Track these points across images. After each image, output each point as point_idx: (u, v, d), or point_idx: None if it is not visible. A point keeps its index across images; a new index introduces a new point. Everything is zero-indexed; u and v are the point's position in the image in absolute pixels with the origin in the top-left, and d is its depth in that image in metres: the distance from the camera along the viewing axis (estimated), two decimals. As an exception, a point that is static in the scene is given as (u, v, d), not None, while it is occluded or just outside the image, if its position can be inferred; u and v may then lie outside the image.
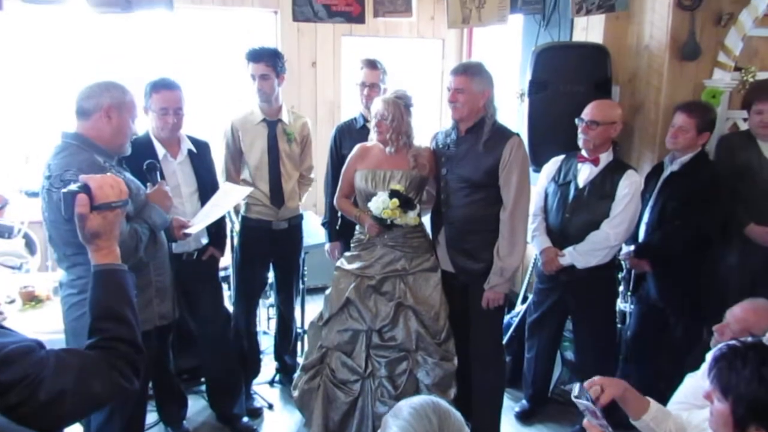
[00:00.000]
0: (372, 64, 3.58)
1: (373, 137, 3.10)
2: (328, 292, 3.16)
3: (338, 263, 3.20)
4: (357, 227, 3.19)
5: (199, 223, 2.86)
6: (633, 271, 3.50)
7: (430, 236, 3.25)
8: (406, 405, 1.30)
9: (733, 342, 1.65)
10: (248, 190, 3.23)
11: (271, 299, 4.22)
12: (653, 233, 3.31)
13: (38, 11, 3.97)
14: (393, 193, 2.91)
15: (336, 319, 3.07)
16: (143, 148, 2.95)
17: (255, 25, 5.13)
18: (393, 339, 3.04)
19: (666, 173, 3.32)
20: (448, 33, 5.53)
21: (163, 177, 2.83)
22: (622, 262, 3.53)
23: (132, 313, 1.40)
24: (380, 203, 2.90)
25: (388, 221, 2.93)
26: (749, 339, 1.72)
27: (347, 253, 3.22)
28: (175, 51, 4.99)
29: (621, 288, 3.63)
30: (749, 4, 3.44)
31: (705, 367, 1.92)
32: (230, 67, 4.41)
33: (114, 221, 1.42)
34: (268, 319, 4.54)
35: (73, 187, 1.38)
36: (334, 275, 3.17)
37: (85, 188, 1.38)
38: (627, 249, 3.40)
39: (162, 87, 3.01)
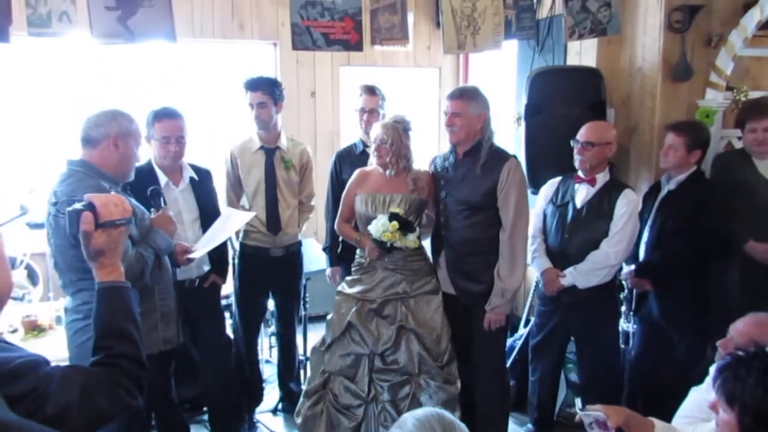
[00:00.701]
0: (371, 90, 3.65)
1: (372, 161, 3.14)
2: (329, 317, 3.17)
3: (339, 287, 3.22)
4: (358, 251, 3.21)
5: (202, 248, 2.88)
6: (634, 291, 3.51)
7: (431, 259, 3.26)
8: (411, 417, 1.31)
9: (736, 351, 1.66)
10: (250, 215, 3.26)
11: (273, 327, 4.22)
12: (653, 252, 3.32)
13: (43, 43, 4.05)
14: (393, 216, 2.93)
15: (338, 343, 3.07)
16: (146, 175, 3.00)
17: (255, 56, 5.22)
18: (395, 362, 3.04)
19: (663, 192, 3.35)
20: (445, 61, 5.62)
21: (165, 203, 2.86)
22: (624, 282, 3.54)
23: (136, 330, 1.42)
24: (380, 226, 2.92)
25: (388, 244, 2.95)
26: (752, 348, 1.73)
27: (348, 278, 3.23)
28: (178, 81, 5.07)
29: (623, 308, 3.63)
30: (738, 25, 3.52)
31: (709, 380, 1.92)
32: (231, 96, 4.48)
33: (118, 239, 1.44)
34: (270, 347, 4.52)
35: (78, 205, 1.41)
36: (335, 300, 3.18)
37: (90, 206, 1.41)
38: (628, 268, 3.41)
39: (164, 116, 3.06)
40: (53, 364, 1.26)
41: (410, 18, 5.17)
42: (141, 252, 2.38)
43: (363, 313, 3.06)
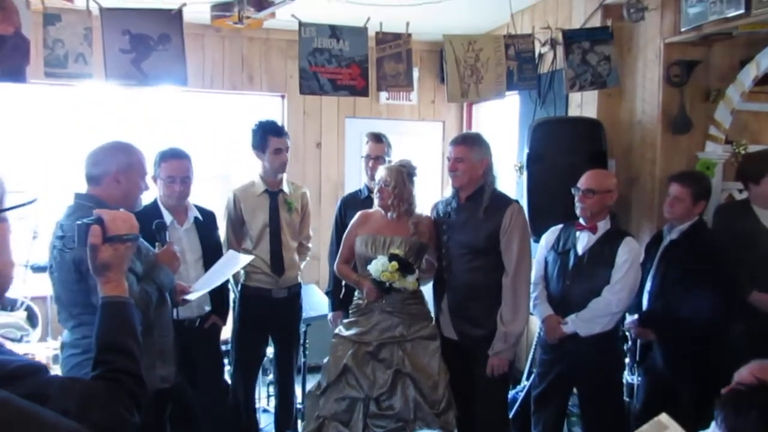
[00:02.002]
0: (377, 138, 3.73)
1: (376, 204, 3.17)
2: (326, 360, 3.13)
3: (336, 330, 3.19)
4: (356, 293, 3.20)
5: (199, 289, 2.89)
6: (638, 342, 3.47)
7: (431, 305, 3.25)
8: None
9: (738, 387, 1.64)
10: (249, 258, 3.28)
11: (271, 376, 4.17)
12: (656, 301, 3.30)
13: (59, 86, 4.17)
14: (392, 257, 2.94)
15: (334, 387, 3.03)
16: (151, 214, 3.01)
17: (263, 107, 5.34)
18: (391, 408, 2.97)
19: (665, 242, 3.35)
20: (449, 115, 5.74)
21: (169, 238, 2.88)
22: (627, 333, 3.50)
23: (137, 347, 1.41)
24: (379, 266, 2.93)
25: (387, 284, 2.95)
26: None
27: (345, 320, 3.21)
28: (187, 128, 5.17)
29: (627, 360, 3.58)
30: (735, 80, 3.60)
31: (714, 424, 1.88)
32: (238, 143, 4.57)
33: (124, 254, 1.46)
34: (268, 396, 4.45)
35: (86, 220, 1.44)
36: (331, 342, 3.16)
37: (99, 220, 1.43)
38: (631, 318, 3.39)
39: (171, 156, 3.13)
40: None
41: (415, 73, 5.33)
42: (146, 289, 2.38)
43: (359, 356, 3.02)
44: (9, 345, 3.99)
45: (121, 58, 3.01)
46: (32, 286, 4.54)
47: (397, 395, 2.97)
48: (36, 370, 1.18)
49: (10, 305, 4.37)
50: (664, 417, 1.23)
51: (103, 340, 1.40)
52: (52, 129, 4.98)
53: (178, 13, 3.08)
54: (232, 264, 3.10)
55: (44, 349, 3.46)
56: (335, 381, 3.02)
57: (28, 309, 4.43)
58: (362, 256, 3.10)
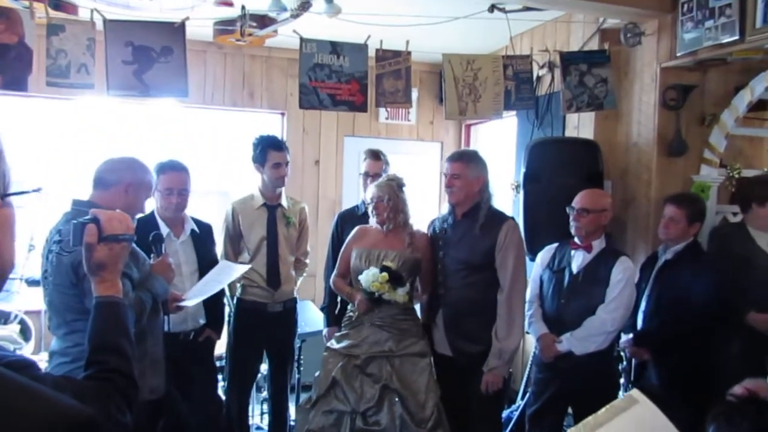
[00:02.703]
0: (376, 155, 3.76)
1: (372, 221, 3.19)
2: (317, 373, 3.12)
3: (328, 343, 3.18)
4: (349, 306, 3.20)
5: (193, 297, 2.88)
6: (633, 362, 3.46)
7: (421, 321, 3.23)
8: None
9: (730, 398, 1.63)
10: (245, 267, 3.28)
11: (265, 393, 4.14)
12: (651, 321, 3.31)
13: (60, 96, 4.20)
14: (383, 268, 2.95)
15: (323, 400, 3.01)
16: (148, 225, 3.04)
17: (263, 124, 5.37)
18: (377, 424, 2.94)
19: (660, 262, 3.37)
20: (447, 136, 5.79)
21: (166, 250, 2.88)
22: (622, 353, 3.50)
23: (129, 347, 1.40)
24: (370, 276, 2.93)
25: (377, 294, 2.94)
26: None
27: (337, 333, 3.21)
28: (187, 141, 5.20)
29: (622, 380, 3.57)
30: (730, 105, 3.65)
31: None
32: (238, 159, 4.60)
33: (119, 254, 1.46)
34: (262, 414, 4.41)
35: (82, 219, 1.44)
36: (323, 356, 3.14)
37: (95, 220, 1.44)
38: (626, 338, 3.39)
39: (169, 168, 3.14)
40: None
41: (415, 93, 5.39)
42: (140, 296, 2.38)
43: (348, 369, 3.01)
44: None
45: (123, 69, 3.04)
46: (26, 299, 4.54)
47: (384, 411, 2.94)
48: (29, 364, 1.18)
49: (3, 318, 4.35)
50: (635, 392, 1.23)
51: (97, 339, 1.40)
52: (53, 141, 4.99)
53: (181, 26, 3.13)
54: (227, 273, 3.10)
55: (37, 362, 3.41)
56: (324, 394, 3.01)
57: (22, 322, 4.40)
58: (356, 270, 3.10)
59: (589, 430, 1.13)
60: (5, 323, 4.38)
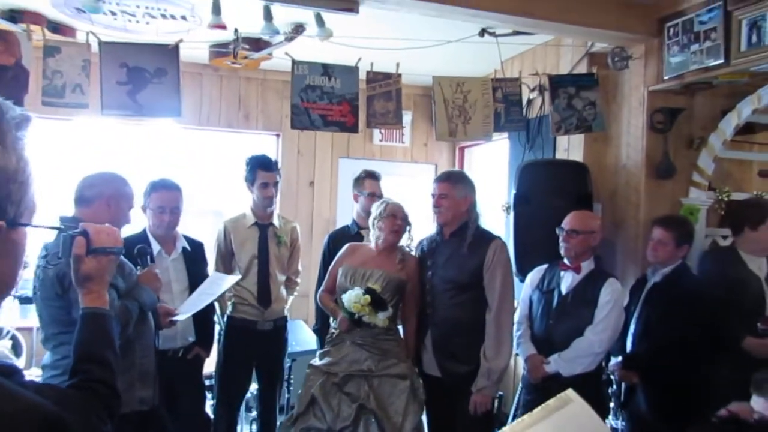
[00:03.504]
0: (375, 176, 3.82)
1: (372, 238, 3.20)
2: (300, 390, 3.12)
3: (311, 361, 3.18)
4: (332, 323, 3.21)
5: (186, 312, 2.90)
6: (623, 386, 3.46)
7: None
8: None
9: (712, 420, 1.64)
10: (235, 278, 3.31)
11: (254, 413, 4.12)
12: (640, 344, 3.31)
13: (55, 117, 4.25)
14: (368, 291, 2.96)
15: (302, 417, 3.00)
16: (139, 243, 3.05)
17: (258, 145, 5.42)
18: None
19: (649, 284, 3.38)
20: (441, 158, 5.84)
21: (153, 261, 2.91)
22: (611, 377, 3.49)
23: (114, 358, 1.43)
24: (352, 297, 2.94)
25: (356, 316, 2.95)
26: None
27: (320, 351, 3.21)
28: (182, 161, 5.24)
29: (612, 404, 3.56)
30: (717, 129, 3.69)
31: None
32: (233, 179, 4.64)
33: (107, 266, 1.49)
34: (251, 433, 4.38)
35: (72, 232, 1.48)
36: (306, 372, 3.14)
37: (84, 233, 1.47)
38: (615, 360, 3.38)
39: (161, 187, 3.19)
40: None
41: (409, 116, 5.46)
42: (126, 304, 2.42)
43: (327, 387, 3.00)
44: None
45: (117, 89, 3.10)
46: (19, 316, 4.57)
47: (360, 431, 2.93)
48: (13, 371, 1.20)
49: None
50: (569, 391, 1.25)
51: (81, 350, 1.42)
52: (51, 161, 5.03)
53: (174, 48, 3.19)
54: (218, 284, 3.12)
55: (29, 377, 3.42)
56: (304, 411, 3.00)
57: (13, 338, 4.42)
58: (341, 288, 3.11)
59: (523, 427, 1.15)
60: (-4, 339, 4.40)
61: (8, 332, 4.34)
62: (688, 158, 3.79)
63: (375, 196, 3.75)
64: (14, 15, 3.55)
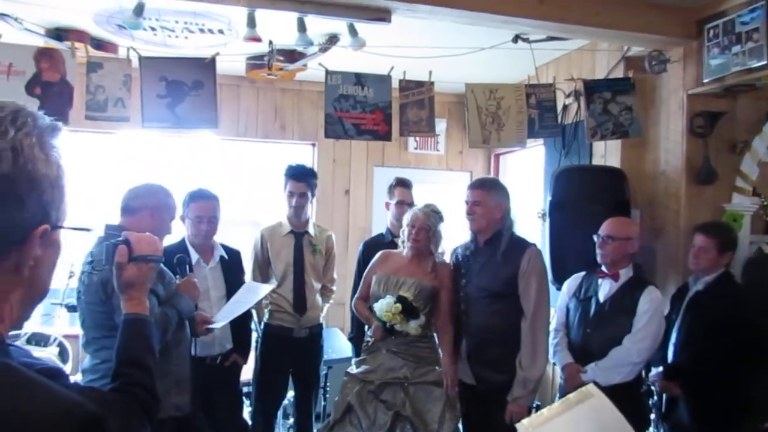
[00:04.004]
0: (406, 184, 3.83)
1: (402, 246, 3.20)
2: (336, 398, 3.14)
3: (348, 369, 3.20)
4: (368, 331, 3.22)
5: (222, 320, 2.96)
6: (664, 396, 3.37)
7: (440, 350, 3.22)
8: None
9: None
10: (270, 286, 3.35)
11: (291, 420, 4.16)
12: (682, 354, 3.23)
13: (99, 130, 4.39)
14: (399, 299, 2.96)
15: (339, 425, 3.03)
16: (178, 252, 3.13)
17: (294, 155, 5.49)
18: None
19: (691, 293, 3.30)
20: (476, 165, 5.81)
21: (191, 270, 2.98)
22: (652, 387, 3.41)
23: (153, 363, 1.48)
24: (384, 306, 2.96)
25: (388, 325, 2.96)
26: None
27: (356, 358, 3.23)
28: (221, 172, 5.34)
29: (653, 415, 3.48)
30: (761, 132, 3.59)
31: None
32: (270, 189, 4.72)
33: (147, 273, 1.55)
34: (288, 441, 4.42)
35: (114, 240, 1.55)
36: (343, 380, 3.17)
37: (126, 241, 1.54)
38: (656, 371, 3.31)
39: (199, 197, 3.26)
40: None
41: (443, 123, 5.46)
42: (165, 311, 2.50)
43: (363, 395, 3.02)
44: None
45: (157, 102, 3.19)
46: (66, 324, 4.73)
47: None
48: (58, 374, 1.25)
49: (43, 341, 4.52)
50: (590, 386, 1.24)
51: (123, 354, 1.48)
52: (97, 173, 5.20)
53: (211, 62, 3.26)
54: (254, 293, 3.18)
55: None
56: (340, 419, 3.02)
57: (60, 345, 4.57)
58: (374, 296, 3.13)
59: (543, 421, 1.14)
60: (45, 345, 4.56)
61: (56, 339, 4.49)
62: (730, 163, 3.69)
63: (404, 204, 3.75)
64: (60, 33, 3.68)
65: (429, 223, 3.12)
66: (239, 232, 5.00)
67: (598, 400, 1.18)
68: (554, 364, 3.34)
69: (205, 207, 3.26)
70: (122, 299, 1.55)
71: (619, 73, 3.91)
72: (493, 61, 4.10)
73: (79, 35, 3.75)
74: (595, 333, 3.21)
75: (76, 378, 3.84)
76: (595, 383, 3.01)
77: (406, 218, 3.21)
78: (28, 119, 0.91)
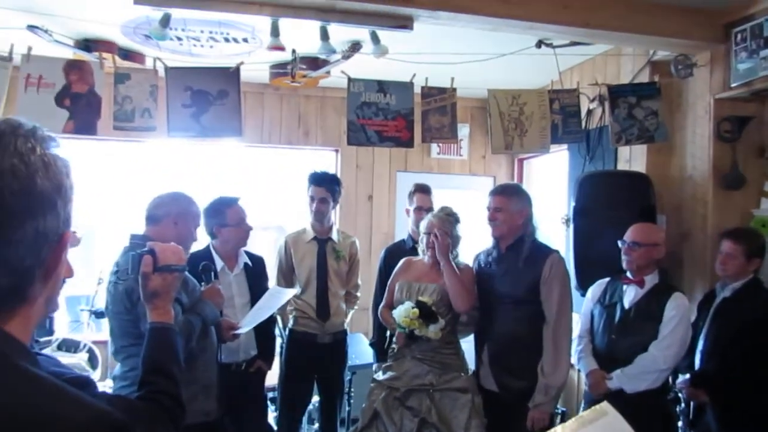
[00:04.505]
0: (425, 190, 3.83)
1: (421, 253, 3.21)
2: (364, 404, 3.15)
3: (374, 375, 3.21)
4: (393, 338, 3.23)
5: (247, 325, 2.99)
6: (692, 404, 3.33)
7: (465, 356, 3.21)
8: None
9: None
10: (294, 291, 3.38)
11: (317, 425, 4.18)
12: (709, 361, 3.18)
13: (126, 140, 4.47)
14: (418, 304, 2.96)
15: (366, 431, 3.03)
16: (203, 259, 3.18)
17: (318, 161, 5.53)
18: None
19: (718, 300, 3.25)
20: (499, 171, 5.79)
21: (216, 277, 3.02)
22: (679, 395, 3.36)
23: (178, 371, 1.51)
24: (402, 312, 2.96)
25: (407, 330, 2.96)
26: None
27: (383, 365, 3.23)
28: (246, 178, 5.40)
29: (680, 423, 3.43)
30: (791, 137, 3.53)
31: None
32: (294, 195, 4.76)
33: (172, 283, 1.59)
34: (313, 445, 4.45)
35: (140, 251, 1.59)
36: (370, 387, 3.18)
37: (151, 251, 1.58)
38: (683, 378, 3.27)
39: (236, 203, 3.32)
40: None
41: (466, 129, 5.45)
42: (189, 319, 2.53)
43: (389, 401, 3.02)
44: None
45: (182, 112, 3.24)
46: (95, 330, 4.83)
47: None
48: (87, 383, 1.28)
49: (73, 347, 4.61)
50: (604, 404, 1.22)
51: (149, 362, 1.51)
52: (126, 181, 5.30)
53: (235, 71, 3.30)
54: (277, 298, 3.21)
55: (103, 388, 3.60)
56: (367, 425, 3.04)
57: (90, 351, 4.65)
58: (397, 303, 3.13)
59: None
60: (75, 352, 4.64)
61: (85, 345, 4.57)
62: (759, 168, 3.63)
63: (422, 209, 3.75)
64: (88, 44, 3.76)
65: (444, 229, 3.11)
66: (264, 238, 5.05)
67: (612, 419, 1.17)
68: (579, 370, 3.31)
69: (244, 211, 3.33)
70: (147, 308, 1.58)
71: (644, 78, 3.87)
72: (515, 66, 4.09)
73: (107, 46, 3.83)
74: (621, 339, 3.18)
75: (106, 383, 3.92)
76: (621, 390, 3.04)
77: (422, 225, 3.22)
78: (37, 133, 0.93)
